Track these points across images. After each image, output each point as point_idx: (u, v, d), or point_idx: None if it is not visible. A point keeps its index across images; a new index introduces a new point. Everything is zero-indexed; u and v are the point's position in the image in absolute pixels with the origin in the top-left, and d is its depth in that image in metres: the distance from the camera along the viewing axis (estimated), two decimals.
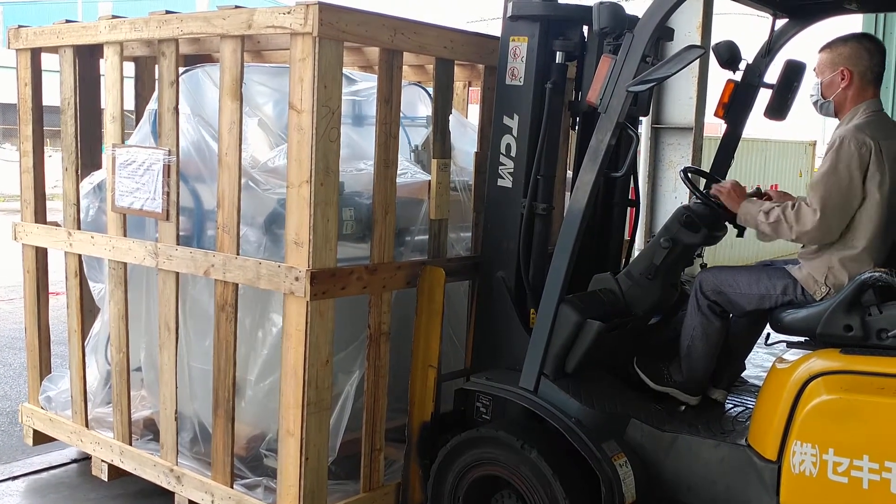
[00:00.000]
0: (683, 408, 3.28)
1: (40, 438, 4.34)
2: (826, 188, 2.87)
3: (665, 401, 3.28)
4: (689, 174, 3.30)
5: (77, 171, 3.95)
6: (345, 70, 4.30)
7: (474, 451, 3.17)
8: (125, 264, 3.75)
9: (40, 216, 4.23)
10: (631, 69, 2.89)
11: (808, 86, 3.29)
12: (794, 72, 3.58)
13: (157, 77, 3.59)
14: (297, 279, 3.06)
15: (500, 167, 3.40)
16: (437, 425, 3.41)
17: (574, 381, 3.09)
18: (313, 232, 3.04)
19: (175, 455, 3.63)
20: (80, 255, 3.98)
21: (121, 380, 3.82)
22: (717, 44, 3.59)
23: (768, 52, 3.65)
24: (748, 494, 2.79)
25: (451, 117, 3.66)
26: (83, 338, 4.04)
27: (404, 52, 3.34)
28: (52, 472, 4.26)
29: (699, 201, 3.17)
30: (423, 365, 3.42)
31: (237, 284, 3.32)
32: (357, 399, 3.51)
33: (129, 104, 3.92)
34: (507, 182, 3.38)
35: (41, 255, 4.25)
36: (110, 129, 3.74)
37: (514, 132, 3.34)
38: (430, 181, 3.55)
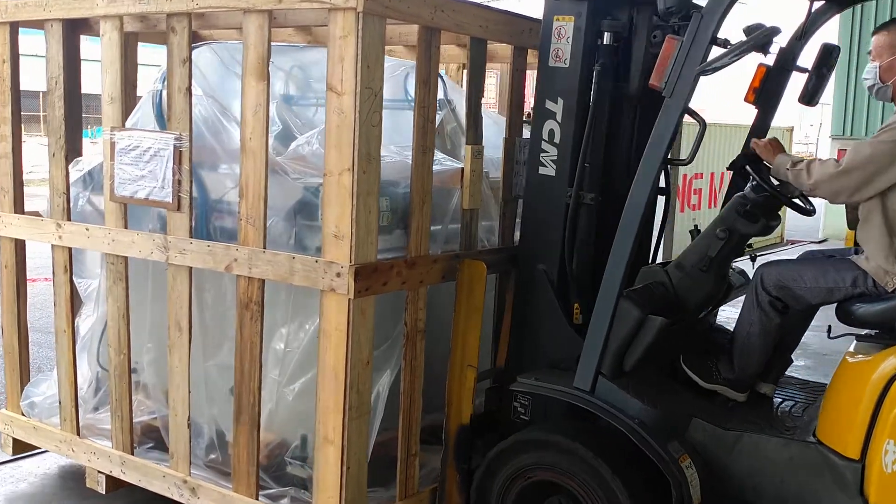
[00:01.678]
0: (730, 405, 3.21)
1: (21, 448, 4.04)
2: (860, 151, 2.91)
3: (713, 398, 3.20)
4: (747, 165, 3.20)
5: (66, 157, 3.66)
6: None
7: (525, 454, 3.05)
8: (125, 259, 3.48)
9: (19, 205, 3.91)
10: (699, 51, 2.78)
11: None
12: (829, 55, 3.53)
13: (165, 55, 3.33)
14: (338, 275, 2.87)
15: (542, 154, 3.26)
16: (475, 428, 3.26)
17: (632, 380, 2.98)
18: (356, 224, 2.85)
19: (188, 465, 3.40)
20: (69, 249, 3.68)
21: (121, 383, 3.56)
22: (748, 26, 3.51)
23: (803, 34, 3.58)
24: (821, 493, 2.74)
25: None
26: (73, 338, 3.74)
27: (441, 31, 3.16)
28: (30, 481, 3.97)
29: (757, 189, 3.08)
30: (461, 365, 3.27)
31: (263, 280, 3.10)
32: (388, 400, 3.33)
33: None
34: (549, 170, 3.25)
35: (20, 248, 3.93)
36: (108, 112, 3.46)
37: (558, 117, 3.20)
38: (462, 169, 3.38)
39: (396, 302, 3.21)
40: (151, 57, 4.13)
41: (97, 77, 3.65)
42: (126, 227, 3.48)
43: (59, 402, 3.82)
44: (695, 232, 3.44)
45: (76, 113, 3.75)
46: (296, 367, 3.32)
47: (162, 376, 3.67)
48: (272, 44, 3.84)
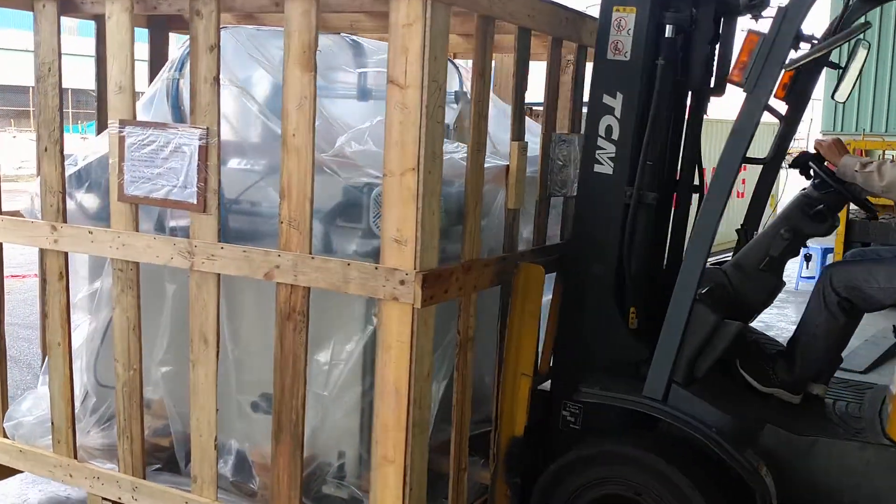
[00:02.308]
0: (787, 407, 3.17)
1: (4, 472, 3.67)
2: None
3: (769, 401, 3.15)
4: (810, 162, 3.15)
5: (61, 152, 3.31)
6: (350, 36, 3.92)
7: (592, 468, 2.92)
8: (137, 265, 3.17)
9: None
10: (783, 46, 2.69)
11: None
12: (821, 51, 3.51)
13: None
14: (402, 283, 2.67)
15: (599, 151, 3.12)
16: (529, 440, 3.12)
17: (703, 386, 2.89)
18: (421, 228, 2.66)
19: (214, 489, 3.14)
20: (65, 254, 3.34)
21: (131, 402, 3.26)
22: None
23: (838, 30, 3.56)
24: None
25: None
26: (70, 352, 3.41)
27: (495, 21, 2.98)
28: None
29: (821, 188, 3.03)
30: (515, 373, 3.13)
31: (308, 289, 2.86)
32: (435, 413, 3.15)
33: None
34: (606, 168, 3.12)
35: None
36: (116, 103, 3.14)
37: (617, 112, 3.08)
38: (507, 167, 3.22)
39: (442, 309, 3.03)
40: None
41: (89, 72, 3.34)
42: (137, 230, 3.17)
43: (52, 423, 3.47)
44: (741, 231, 3.38)
45: None
46: (334, 382, 3.11)
47: (176, 392, 3.39)
48: (268, 28, 3.64)
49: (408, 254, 2.69)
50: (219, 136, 2.97)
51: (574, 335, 3.19)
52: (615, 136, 3.09)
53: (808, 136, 4.90)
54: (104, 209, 3.40)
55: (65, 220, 3.33)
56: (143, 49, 3.81)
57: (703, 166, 3.58)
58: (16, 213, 3.59)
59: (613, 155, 3.10)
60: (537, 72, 3.64)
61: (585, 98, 3.86)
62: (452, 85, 4.04)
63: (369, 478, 3.12)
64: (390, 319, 2.74)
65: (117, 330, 3.25)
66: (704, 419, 2.82)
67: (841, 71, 3.56)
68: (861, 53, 3.58)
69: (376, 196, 2.90)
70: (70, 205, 3.49)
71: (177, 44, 3.86)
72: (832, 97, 3.62)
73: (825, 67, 3.62)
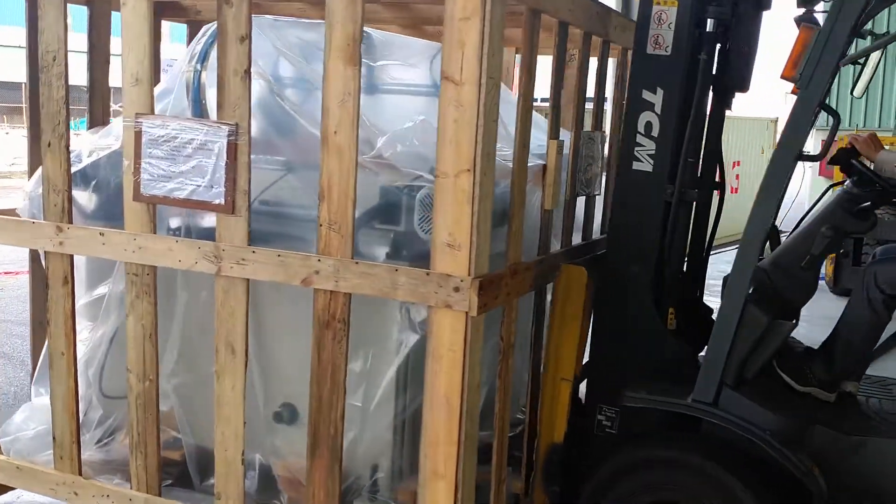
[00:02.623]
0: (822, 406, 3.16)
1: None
2: None
3: (806, 400, 3.14)
4: (853, 161, 3.13)
5: (67, 148, 3.09)
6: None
7: (640, 474, 2.86)
8: (154, 269, 2.98)
9: None
10: (839, 41, 2.66)
11: None
12: (880, 47, 3.54)
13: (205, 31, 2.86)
14: (456, 289, 2.56)
15: (638, 149, 3.05)
16: (569, 447, 3.05)
17: (753, 388, 2.86)
18: (476, 232, 2.55)
19: None
20: (71, 257, 3.13)
21: (146, 415, 3.07)
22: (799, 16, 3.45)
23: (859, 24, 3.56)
24: None
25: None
26: (75, 362, 3.19)
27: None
28: None
29: (862, 185, 3.02)
30: (555, 378, 3.05)
31: (349, 295, 2.72)
32: None
33: None
34: (646, 165, 3.05)
35: None
36: (132, 96, 2.93)
37: (657, 108, 3.01)
38: (543, 166, 3.12)
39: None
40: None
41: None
42: (154, 232, 2.98)
43: (54, 438, 3.26)
44: (772, 230, 3.35)
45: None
46: (370, 392, 2.97)
47: (189, 403, 3.22)
48: (286, 18, 3.47)
49: (461, 259, 2.57)
50: (249, 133, 2.80)
51: (612, 337, 3.11)
52: (655, 132, 3.02)
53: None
54: (108, 209, 3.20)
55: (70, 221, 3.11)
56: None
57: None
58: (10, 212, 3.35)
59: (653, 152, 3.03)
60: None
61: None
62: None
63: (404, 492, 3.03)
64: (442, 328, 2.62)
65: (131, 339, 3.05)
66: (755, 421, 2.79)
67: (860, 67, 3.57)
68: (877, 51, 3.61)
69: (423, 198, 2.78)
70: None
71: (172, 33, 3.67)
72: (851, 92, 3.63)
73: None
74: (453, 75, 2.52)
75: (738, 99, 3.44)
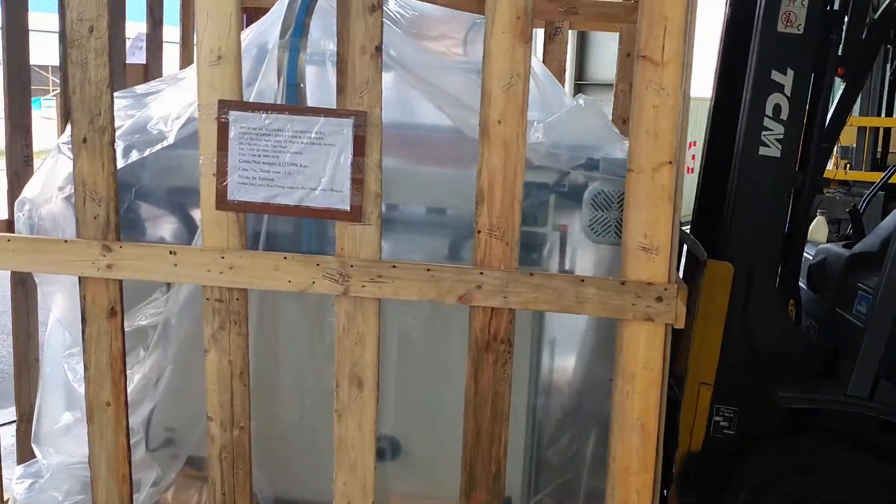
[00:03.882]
0: None
1: None
2: None
3: None
4: None
5: (111, 144, 2.45)
6: None
7: (802, 479, 2.74)
8: (245, 293, 2.45)
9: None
10: None
11: None
12: None
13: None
14: (658, 299, 2.30)
15: (765, 133, 2.89)
16: (709, 455, 2.88)
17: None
18: (675, 233, 2.29)
19: None
20: (120, 283, 2.51)
21: (234, 471, 2.55)
22: None
23: None
24: None
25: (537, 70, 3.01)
26: (126, 414, 2.58)
27: None
28: None
29: None
30: (695, 383, 2.86)
31: (514, 311, 2.37)
32: None
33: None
34: (773, 150, 2.90)
35: None
36: (212, 78, 2.37)
37: (787, 90, 2.86)
38: None
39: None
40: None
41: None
42: (246, 247, 2.44)
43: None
44: (854, 212, 3.34)
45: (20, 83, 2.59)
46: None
47: (269, 447, 2.72)
48: None
49: (660, 264, 2.31)
50: (381, 125, 2.34)
51: (736, 333, 2.95)
52: (784, 115, 2.88)
53: None
54: (155, 225, 2.62)
55: (117, 237, 2.49)
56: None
57: None
58: (8, 224, 2.66)
59: (782, 136, 2.89)
60: None
61: None
62: None
63: None
64: (636, 343, 2.34)
65: (213, 379, 2.50)
66: None
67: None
68: None
69: (595, 195, 2.46)
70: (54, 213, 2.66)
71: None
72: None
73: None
74: (653, 55, 2.23)
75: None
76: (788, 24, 2.86)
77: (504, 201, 2.33)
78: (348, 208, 2.37)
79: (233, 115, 2.37)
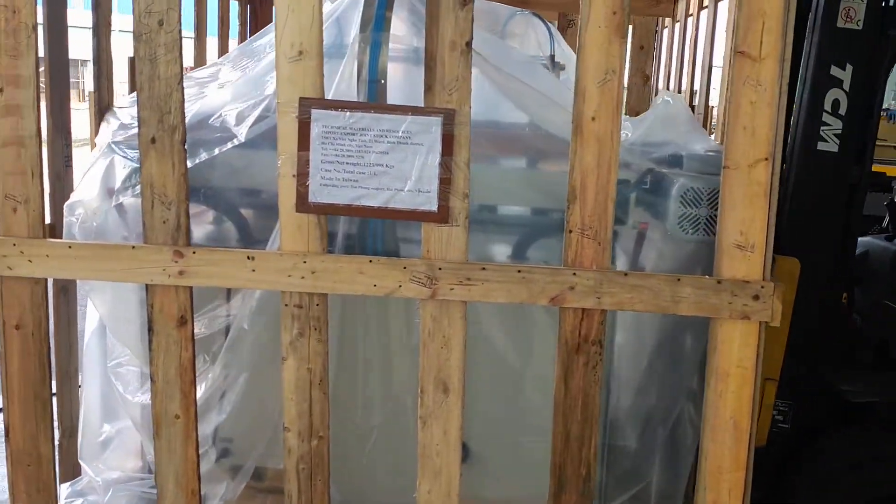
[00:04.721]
0: None
1: None
2: None
3: None
4: None
5: (182, 143, 2.34)
6: None
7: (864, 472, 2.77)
8: (325, 297, 2.37)
9: (58, 224, 2.47)
10: None
11: None
12: None
13: None
14: (756, 297, 2.29)
15: (824, 128, 2.91)
16: (772, 450, 2.89)
17: None
18: (770, 230, 2.29)
19: None
20: (191, 290, 2.40)
21: (312, 483, 2.48)
22: None
23: None
24: None
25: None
26: (196, 427, 2.47)
27: None
28: None
29: None
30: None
31: (605, 312, 2.34)
32: None
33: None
34: (831, 146, 2.92)
35: (39, 293, 2.45)
36: (293, 74, 2.28)
37: (846, 86, 2.88)
38: None
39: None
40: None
41: None
42: (326, 250, 2.36)
43: None
44: (892, 205, 3.38)
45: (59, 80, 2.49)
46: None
47: (339, 454, 2.63)
48: None
49: (755, 262, 2.31)
50: (468, 123, 2.28)
51: (798, 327, 2.96)
52: (842, 110, 2.90)
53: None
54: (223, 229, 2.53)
55: (188, 242, 2.38)
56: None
57: None
58: (51, 228, 2.52)
59: (840, 132, 2.91)
60: None
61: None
62: (545, 49, 3.56)
63: None
64: (730, 342, 2.34)
65: (291, 388, 2.42)
66: None
67: None
68: None
69: (684, 192, 2.44)
70: (104, 216, 2.55)
71: None
72: None
73: None
74: (750, 50, 2.22)
75: None
76: (848, 19, 2.88)
77: (597, 200, 2.30)
78: (436, 209, 2.31)
79: (315, 113, 2.28)
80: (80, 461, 2.80)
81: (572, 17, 4.51)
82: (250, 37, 4.62)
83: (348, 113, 2.29)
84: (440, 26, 2.24)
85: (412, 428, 2.47)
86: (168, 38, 2.30)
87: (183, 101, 2.33)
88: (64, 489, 2.78)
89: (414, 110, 2.29)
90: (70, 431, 2.92)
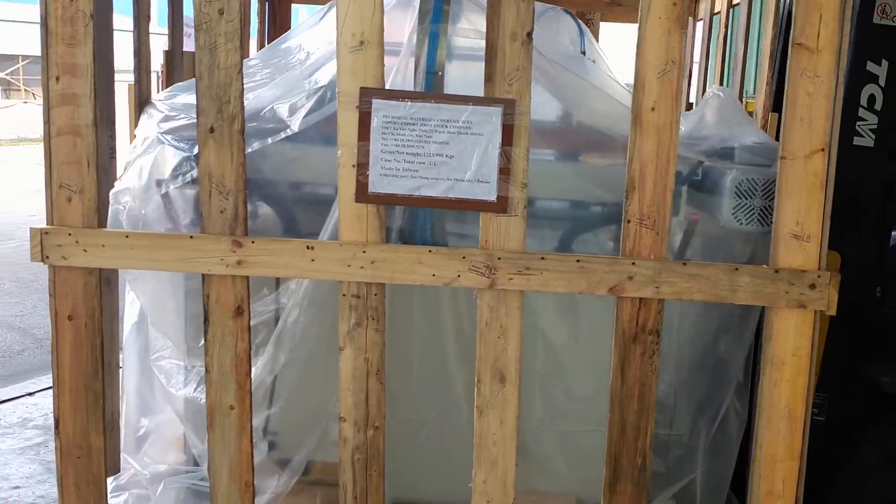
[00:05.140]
0: None
1: None
2: None
3: None
4: None
5: (241, 133, 2.34)
6: None
7: None
8: (383, 287, 2.37)
9: (103, 215, 2.44)
10: None
11: None
12: None
13: None
14: (812, 286, 2.33)
15: (860, 123, 2.95)
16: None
17: None
18: (826, 220, 2.32)
19: None
20: (247, 281, 2.39)
21: (368, 473, 2.48)
22: None
23: None
24: None
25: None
26: (250, 418, 2.46)
27: None
28: None
29: None
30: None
31: (663, 302, 2.35)
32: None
33: None
34: (867, 141, 2.97)
35: (93, 283, 2.44)
36: (353, 65, 2.29)
37: (881, 81, 2.94)
38: None
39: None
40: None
41: None
42: (384, 240, 2.36)
43: None
44: None
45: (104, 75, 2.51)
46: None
47: (391, 447, 2.63)
48: None
49: (811, 251, 2.34)
50: (529, 111, 2.29)
51: (837, 320, 2.99)
52: (878, 106, 2.94)
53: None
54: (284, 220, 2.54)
55: (245, 232, 2.37)
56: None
57: None
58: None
59: (875, 127, 2.95)
60: None
61: None
62: (576, 45, 3.57)
63: None
64: (786, 330, 2.36)
65: (348, 377, 2.41)
66: None
67: None
68: None
69: (739, 183, 2.47)
70: (153, 207, 2.55)
71: None
72: None
73: None
74: (807, 41, 2.26)
75: None
76: (884, 15, 2.93)
77: (656, 190, 2.32)
78: (495, 199, 2.32)
79: (375, 103, 2.29)
80: (124, 455, 2.78)
81: (590, 17, 4.54)
82: (267, 35, 4.65)
83: (409, 103, 2.30)
84: (501, 17, 2.26)
85: (463, 421, 2.48)
86: (228, 28, 2.30)
87: (242, 90, 2.33)
88: (109, 483, 2.76)
89: (475, 100, 2.30)
90: (111, 425, 2.90)
